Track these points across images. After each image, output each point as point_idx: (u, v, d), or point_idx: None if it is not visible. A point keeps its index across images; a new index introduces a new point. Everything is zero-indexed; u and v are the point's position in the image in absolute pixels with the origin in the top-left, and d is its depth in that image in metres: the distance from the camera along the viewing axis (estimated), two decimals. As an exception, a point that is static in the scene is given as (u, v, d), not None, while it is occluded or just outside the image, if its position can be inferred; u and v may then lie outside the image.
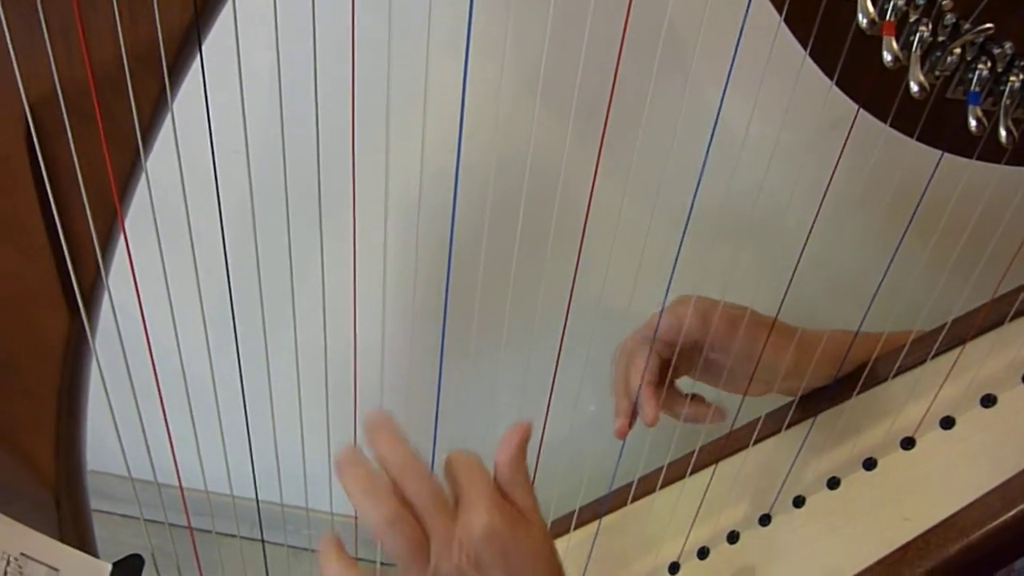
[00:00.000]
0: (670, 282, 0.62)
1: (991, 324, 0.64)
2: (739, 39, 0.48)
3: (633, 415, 0.65)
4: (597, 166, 0.55)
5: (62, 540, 0.57)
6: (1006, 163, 0.50)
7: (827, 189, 0.56)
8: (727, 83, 0.52)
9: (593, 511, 0.75)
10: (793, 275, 0.59)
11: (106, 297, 0.54)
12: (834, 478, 0.65)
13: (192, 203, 0.55)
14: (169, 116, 0.50)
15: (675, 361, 0.65)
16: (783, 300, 0.62)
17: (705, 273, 0.66)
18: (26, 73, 0.47)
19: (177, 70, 0.48)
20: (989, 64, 0.47)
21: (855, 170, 0.57)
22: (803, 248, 0.58)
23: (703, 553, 0.68)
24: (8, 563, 0.51)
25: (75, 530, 0.59)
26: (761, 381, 0.66)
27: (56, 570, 0.54)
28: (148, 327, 0.56)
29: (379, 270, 0.78)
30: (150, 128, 0.49)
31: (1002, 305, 0.63)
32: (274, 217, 0.64)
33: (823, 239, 0.59)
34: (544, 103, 0.72)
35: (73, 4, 0.44)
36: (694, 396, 0.68)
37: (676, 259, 0.59)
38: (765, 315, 0.65)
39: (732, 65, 0.50)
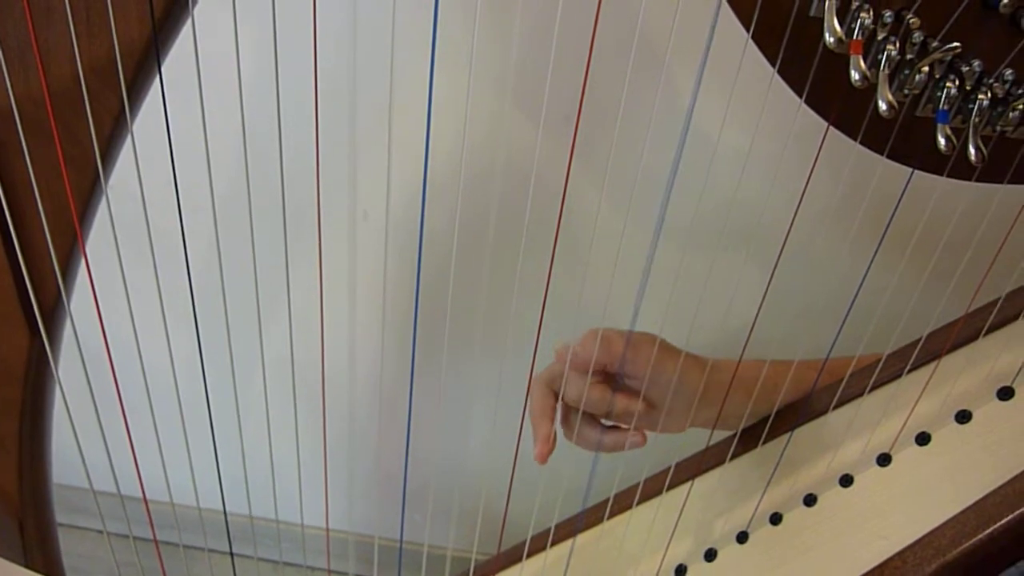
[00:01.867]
0: (643, 287, 0.61)
1: (966, 339, 0.64)
2: (706, 53, 0.47)
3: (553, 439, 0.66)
4: (568, 171, 0.55)
5: (28, 562, 0.56)
6: (976, 180, 0.50)
7: (800, 201, 0.56)
8: (695, 96, 0.51)
9: (569, 528, 0.74)
10: (769, 283, 0.58)
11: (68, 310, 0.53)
12: (811, 495, 0.65)
13: (155, 217, 0.54)
14: (129, 133, 0.49)
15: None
16: (760, 305, 0.61)
17: (680, 279, 0.66)
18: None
19: (137, 86, 0.47)
20: (957, 82, 0.47)
21: (829, 183, 0.57)
22: (777, 259, 0.58)
23: (680, 571, 0.68)
24: (-35, 588, 0.50)
25: (41, 551, 0.58)
26: (677, 412, 0.66)
27: (14, 594, 0.53)
28: (111, 340, 0.56)
29: (347, 279, 0.77)
30: (110, 145, 0.49)
31: (976, 320, 0.63)
32: (239, 226, 0.63)
33: (798, 249, 0.59)
34: (515, 110, 0.72)
35: (27, 20, 0.44)
36: (612, 426, 0.68)
37: (649, 265, 0.59)
38: (674, 345, 0.66)
39: (700, 79, 0.50)
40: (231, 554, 0.71)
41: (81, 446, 0.56)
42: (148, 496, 0.62)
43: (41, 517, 0.58)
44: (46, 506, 0.59)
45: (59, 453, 0.59)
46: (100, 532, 1.05)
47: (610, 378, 0.66)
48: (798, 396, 0.68)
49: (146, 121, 0.50)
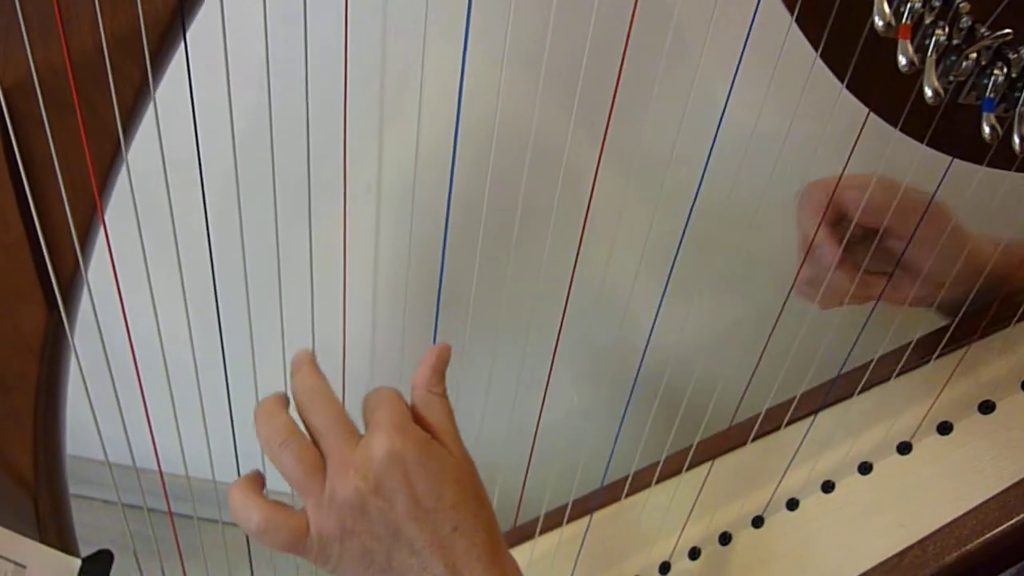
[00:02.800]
0: (670, 274, 0.60)
1: (995, 327, 0.63)
2: (747, 37, 0.46)
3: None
4: (600, 155, 0.54)
5: (42, 536, 0.56)
6: (1016, 170, 0.49)
7: (836, 186, 0.55)
8: (735, 78, 0.50)
9: (586, 504, 0.74)
10: (797, 274, 0.57)
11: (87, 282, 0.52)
12: (828, 482, 0.64)
13: (176, 191, 0.53)
14: (152, 104, 0.47)
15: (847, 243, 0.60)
16: (787, 297, 0.60)
17: (708, 268, 0.65)
18: (0, 56, 0.45)
19: (160, 57, 0.46)
20: (1005, 70, 0.45)
21: (866, 170, 0.56)
22: (808, 246, 0.57)
23: (694, 553, 0.67)
24: (-25, 562, 0.50)
25: (55, 524, 0.58)
26: (931, 283, 0.61)
27: (23, 567, 0.53)
28: (129, 314, 0.55)
29: (371, 256, 0.76)
30: (132, 117, 0.47)
31: (1005, 309, 0.62)
32: (262, 202, 0.62)
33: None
34: (547, 91, 0.70)
35: (50, -12, 0.42)
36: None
37: (677, 252, 0.58)
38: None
39: (740, 61, 0.48)
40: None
41: (97, 419, 0.56)
42: (163, 469, 0.62)
43: (55, 490, 0.58)
44: (60, 479, 0.58)
45: (68, 424, 0.59)
46: (106, 502, 1.06)
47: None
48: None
49: (164, 93, 0.49)
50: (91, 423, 0.56)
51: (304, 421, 0.47)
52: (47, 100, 0.45)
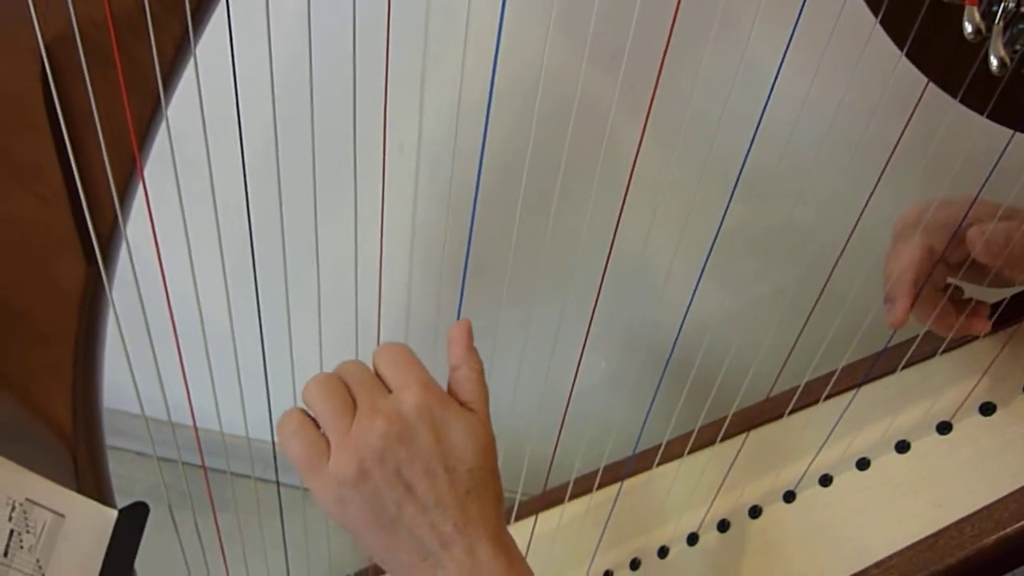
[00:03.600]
0: (712, 244, 0.59)
1: None
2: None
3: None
4: (647, 121, 0.52)
5: (79, 486, 0.56)
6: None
7: (889, 159, 0.53)
8: (789, 43, 0.48)
9: (617, 472, 0.74)
10: (844, 249, 0.56)
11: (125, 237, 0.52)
12: (864, 459, 0.63)
13: (214, 147, 0.53)
14: (192, 60, 0.47)
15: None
16: (831, 272, 0.59)
17: (751, 237, 0.64)
18: (42, 9, 0.44)
19: (201, 11, 0.45)
20: (1076, 40, 0.43)
21: (919, 143, 0.54)
22: (858, 219, 0.55)
23: (723, 526, 0.67)
24: (13, 508, 0.50)
25: (92, 475, 0.59)
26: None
27: (62, 516, 0.53)
28: (167, 270, 0.55)
29: (408, 218, 0.76)
30: (172, 72, 0.47)
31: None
32: (300, 161, 0.62)
33: (879, 213, 0.56)
34: (593, 53, 0.68)
35: (90, -61, 0.41)
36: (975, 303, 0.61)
37: (721, 222, 0.57)
38: None
39: (796, 26, 0.47)
40: (277, 483, 0.71)
41: (134, 373, 0.56)
42: (197, 424, 0.62)
43: (92, 442, 0.58)
44: (97, 431, 0.59)
45: (105, 377, 0.59)
46: (140, 454, 1.07)
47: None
48: None
49: (204, 49, 0.48)
50: (127, 377, 0.56)
51: (340, 370, 0.48)
52: (88, 54, 0.44)
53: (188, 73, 0.48)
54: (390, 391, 0.47)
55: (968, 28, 0.42)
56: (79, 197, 0.48)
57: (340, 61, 0.52)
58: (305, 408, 0.48)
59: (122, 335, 0.54)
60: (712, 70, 0.64)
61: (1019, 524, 0.55)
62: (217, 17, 0.47)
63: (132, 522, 0.58)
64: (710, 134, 0.61)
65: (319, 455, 0.45)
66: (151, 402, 0.58)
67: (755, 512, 0.66)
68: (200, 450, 0.64)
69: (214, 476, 0.68)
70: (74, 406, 0.54)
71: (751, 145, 0.50)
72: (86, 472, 0.58)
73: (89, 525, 0.56)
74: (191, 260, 0.55)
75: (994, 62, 0.43)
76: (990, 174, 0.49)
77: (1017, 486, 0.57)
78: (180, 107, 0.49)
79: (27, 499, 0.52)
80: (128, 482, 0.67)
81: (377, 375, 0.48)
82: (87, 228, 0.49)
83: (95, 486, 0.59)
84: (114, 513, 0.57)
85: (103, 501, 0.58)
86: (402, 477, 0.44)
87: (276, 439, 0.48)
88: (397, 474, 0.44)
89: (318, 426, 0.47)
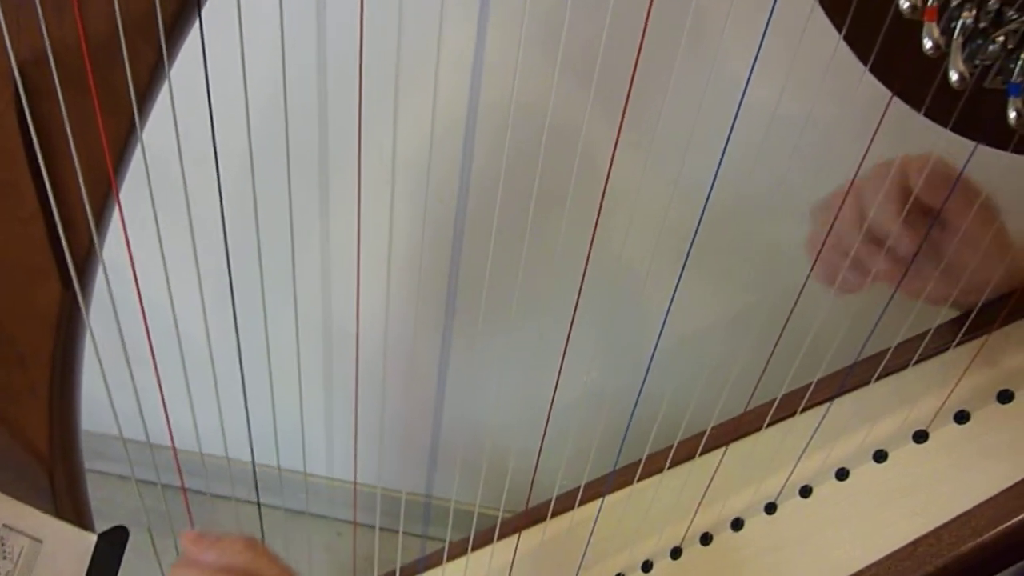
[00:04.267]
0: (686, 257, 0.60)
1: (1017, 315, 0.62)
2: (769, 18, 0.45)
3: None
4: (618, 137, 0.53)
5: (57, 510, 0.56)
6: (1042, 155, 0.48)
7: (856, 172, 0.54)
8: (755, 60, 0.49)
9: (598, 488, 0.74)
10: (815, 259, 0.57)
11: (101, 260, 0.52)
12: (843, 469, 0.64)
13: (190, 170, 0.53)
14: (166, 83, 0.47)
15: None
16: (804, 283, 0.59)
17: (724, 251, 0.64)
18: (14, 30, 0.45)
19: (175, 36, 0.46)
20: (1033, 54, 0.44)
21: (888, 155, 0.55)
22: (829, 229, 0.56)
23: (706, 539, 0.67)
24: (-8, 534, 0.50)
25: (71, 498, 0.58)
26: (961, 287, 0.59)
27: (40, 541, 0.53)
28: (143, 291, 0.55)
29: (385, 234, 0.76)
30: (146, 95, 0.47)
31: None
32: (276, 182, 0.62)
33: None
34: (565, 71, 0.69)
35: (64, -36, 0.42)
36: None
37: (694, 235, 0.57)
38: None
39: (762, 43, 0.48)
40: (258, 504, 0.71)
41: (111, 394, 0.56)
42: (176, 445, 0.62)
43: (70, 464, 0.58)
44: (75, 453, 0.59)
45: (83, 399, 0.59)
46: (121, 477, 1.07)
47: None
48: None
49: (179, 72, 0.48)
50: (106, 399, 0.56)
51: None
52: (62, 76, 0.45)
53: (163, 97, 0.49)
54: None
55: (928, 44, 0.43)
56: (54, 219, 0.48)
57: (315, 85, 0.53)
58: None
59: (99, 357, 0.54)
60: (682, 87, 0.65)
61: (996, 531, 0.56)
62: (194, 40, 0.48)
63: (112, 546, 0.57)
64: (682, 148, 0.62)
65: None
66: (130, 424, 0.58)
67: (737, 524, 0.67)
68: (179, 471, 0.64)
69: (194, 498, 0.68)
70: (51, 429, 0.54)
71: (721, 158, 0.51)
72: (64, 496, 0.58)
73: (68, 550, 0.56)
74: (168, 281, 0.55)
75: (954, 76, 0.44)
76: (955, 184, 0.50)
77: (993, 493, 0.57)
78: (155, 130, 0.49)
79: (3, 524, 0.51)
80: (110, 505, 0.67)
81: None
82: (63, 250, 0.50)
83: (74, 510, 0.58)
84: (93, 537, 0.57)
85: (82, 525, 0.58)
86: None
87: None
88: None
89: None
